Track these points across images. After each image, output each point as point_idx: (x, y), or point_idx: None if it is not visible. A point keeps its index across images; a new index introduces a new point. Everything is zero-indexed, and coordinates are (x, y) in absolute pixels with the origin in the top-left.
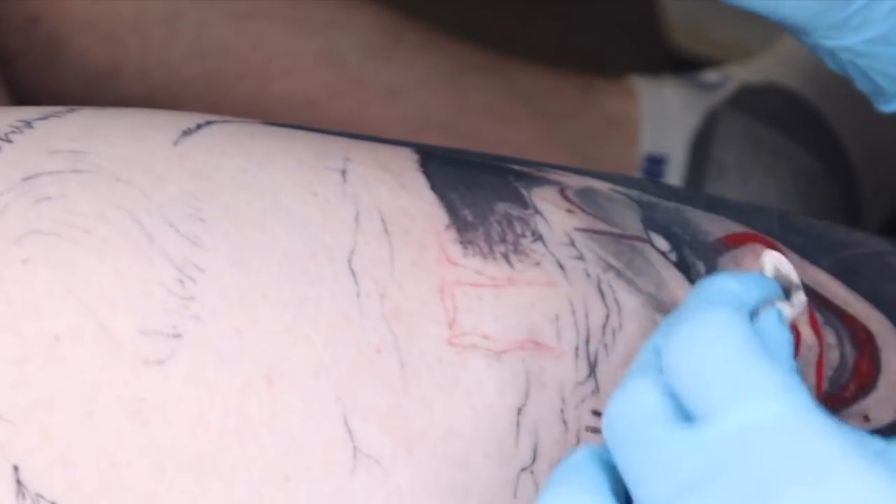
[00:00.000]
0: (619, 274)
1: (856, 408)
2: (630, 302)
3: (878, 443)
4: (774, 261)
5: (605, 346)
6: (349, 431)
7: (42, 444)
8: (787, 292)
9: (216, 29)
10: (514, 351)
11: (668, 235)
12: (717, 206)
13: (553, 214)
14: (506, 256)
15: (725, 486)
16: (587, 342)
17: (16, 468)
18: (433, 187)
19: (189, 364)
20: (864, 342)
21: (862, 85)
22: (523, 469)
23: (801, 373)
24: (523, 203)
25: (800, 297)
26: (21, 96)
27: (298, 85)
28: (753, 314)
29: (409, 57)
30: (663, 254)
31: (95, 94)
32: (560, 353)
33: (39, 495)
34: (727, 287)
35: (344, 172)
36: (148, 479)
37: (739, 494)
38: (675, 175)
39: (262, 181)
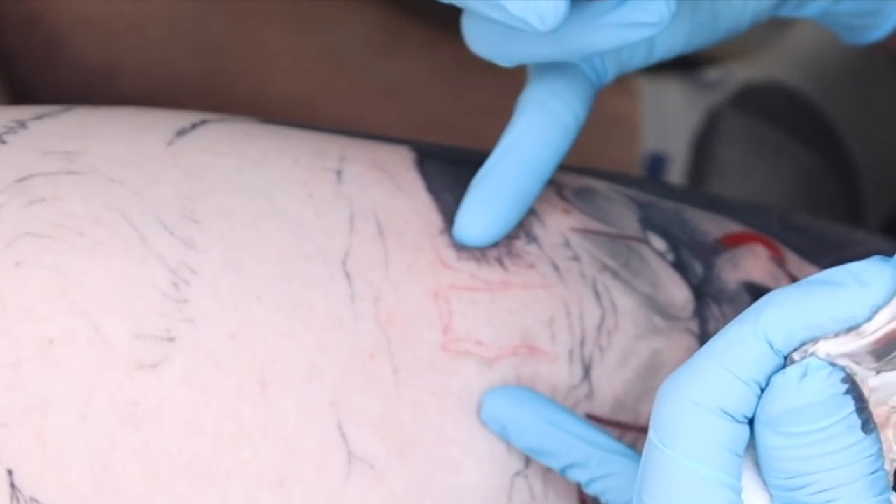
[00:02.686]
0: (615, 274)
1: None
2: (626, 303)
3: None
4: None
5: (600, 347)
6: (343, 436)
7: (36, 448)
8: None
9: (216, 27)
10: (507, 357)
11: (665, 235)
12: (716, 204)
13: (549, 215)
14: (500, 260)
15: None
16: (582, 344)
17: (10, 472)
18: (429, 188)
19: (183, 368)
20: None
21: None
22: (517, 473)
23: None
24: None
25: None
26: (20, 95)
27: (298, 83)
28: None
29: (409, 55)
30: (660, 254)
31: (95, 93)
32: (554, 358)
33: (34, 499)
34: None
35: (339, 173)
36: (142, 483)
37: None
38: (676, 174)
39: (256, 181)
